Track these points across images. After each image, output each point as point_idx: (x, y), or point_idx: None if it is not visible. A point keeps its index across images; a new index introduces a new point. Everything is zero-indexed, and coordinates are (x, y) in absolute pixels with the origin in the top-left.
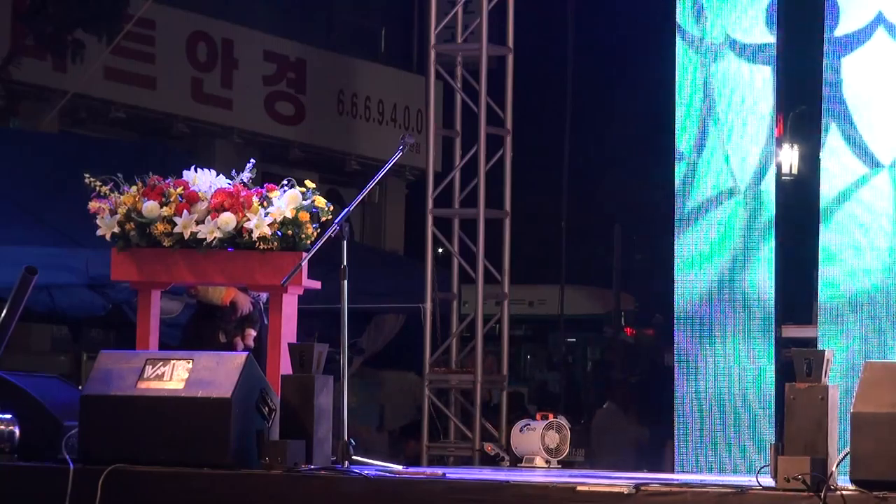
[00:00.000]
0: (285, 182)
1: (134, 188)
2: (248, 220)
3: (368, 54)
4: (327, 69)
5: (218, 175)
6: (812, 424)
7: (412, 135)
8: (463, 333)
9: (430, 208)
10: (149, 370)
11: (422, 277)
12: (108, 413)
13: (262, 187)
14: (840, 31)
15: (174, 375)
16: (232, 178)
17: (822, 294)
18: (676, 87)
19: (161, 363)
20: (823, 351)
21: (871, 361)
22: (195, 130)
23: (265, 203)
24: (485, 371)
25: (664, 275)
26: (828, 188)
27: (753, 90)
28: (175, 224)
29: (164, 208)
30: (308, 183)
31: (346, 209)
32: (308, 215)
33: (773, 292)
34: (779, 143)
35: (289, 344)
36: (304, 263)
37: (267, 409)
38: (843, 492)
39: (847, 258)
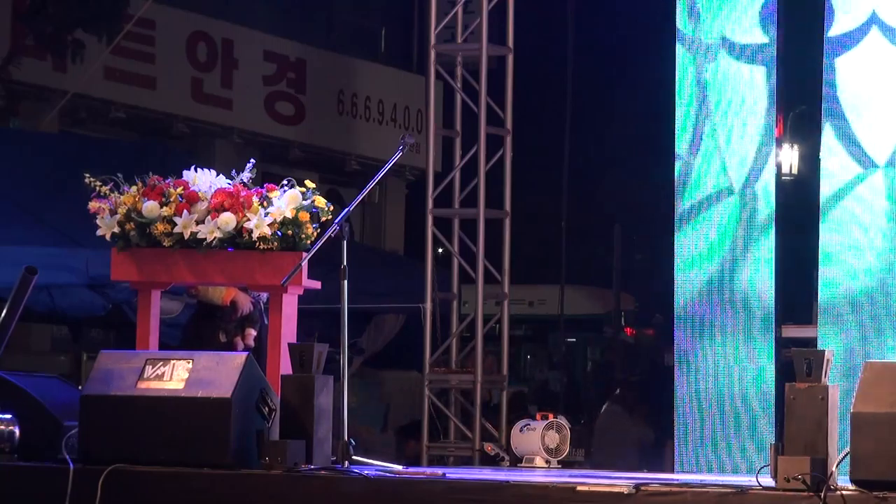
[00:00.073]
0: (285, 182)
1: (134, 188)
2: (248, 220)
3: (368, 54)
4: (327, 69)
5: (218, 175)
6: (812, 424)
7: (412, 135)
8: (463, 333)
9: (430, 208)
10: (149, 370)
11: (422, 277)
12: (108, 413)
13: (262, 187)
14: (834, 31)
15: (174, 375)
16: (232, 178)
17: (822, 294)
18: (676, 87)
19: (161, 363)
20: (823, 351)
21: (871, 361)
22: (195, 130)
23: (265, 203)
24: (485, 371)
25: (664, 275)
26: (827, 188)
27: (750, 90)
28: (175, 224)
29: (164, 208)
30: (308, 183)
31: (346, 209)
32: (308, 215)
33: (773, 292)
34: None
35: (289, 344)
36: (304, 263)
37: (267, 409)
38: (843, 492)
39: (847, 258)
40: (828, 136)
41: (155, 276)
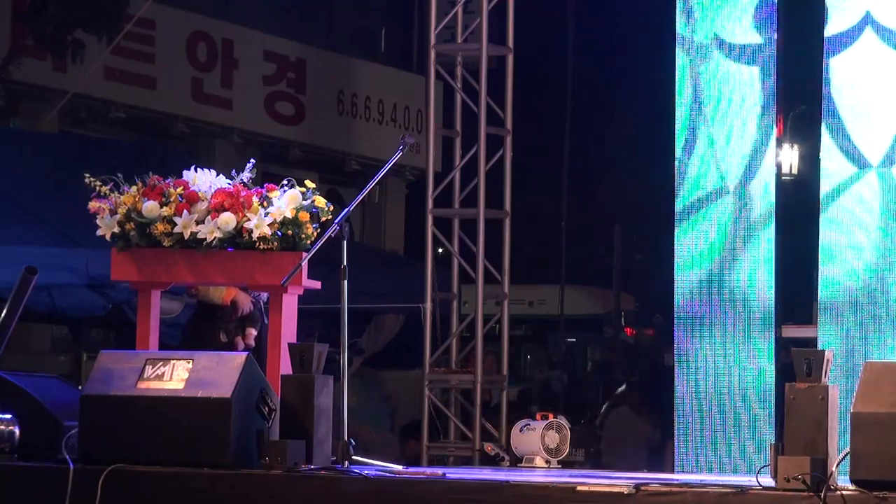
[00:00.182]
0: (285, 182)
1: (134, 188)
2: (248, 220)
3: (368, 54)
4: (327, 69)
5: (218, 175)
6: (812, 424)
7: (412, 135)
8: (463, 333)
9: (430, 208)
10: (149, 370)
11: (422, 277)
12: (108, 413)
13: (262, 187)
14: (829, 31)
15: (174, 375)
16: (232, 178)
17: (822, 293)
18: (676, 87)
19: (161, 363)
20: (823, 351)
21: (871, 361)
22: (195, 130)
23: (265, 203)
24: (485, 371)
25: (664, 275)
26: (827, 187)
27: (745, 90)
28: (175, 224)
29: (164, 208)
30: (308, 183)
31: (346, 209)
32: (308, 215)
33: (772, 292)
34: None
35: (289, 344)
36: (304, 263)
37: (267, 409)
38: (843, 492)
39: (847, 257)
40: (824, 135)
41: (155, 276)
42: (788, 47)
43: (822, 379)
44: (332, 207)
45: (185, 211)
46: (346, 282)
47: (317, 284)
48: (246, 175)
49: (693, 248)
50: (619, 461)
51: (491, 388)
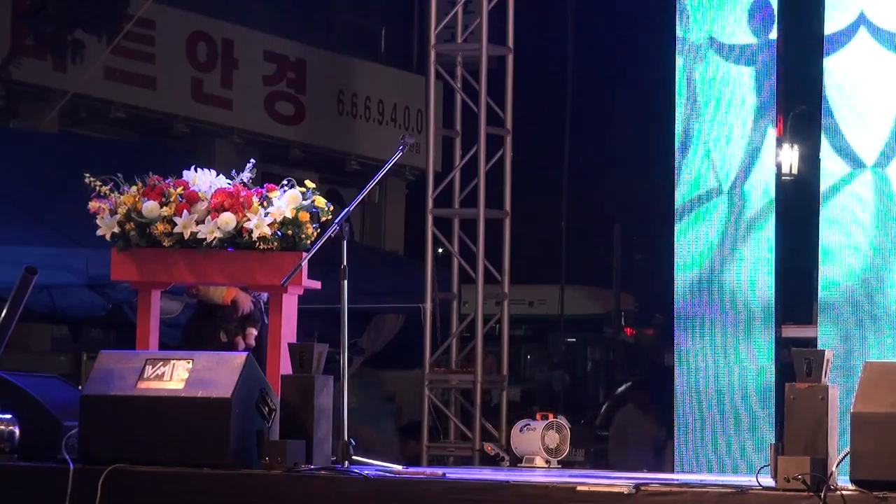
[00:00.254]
0: (285, 182)
1: (134, 188)
2: (248, 220)
3: (368, 54)
4: (327, 69)
5: (218, 175)
6: (812, 424)
7: (412, 135)
8: (463, 333)
9: (430, 208)
10: (149, 370)
11: (422, 277)
12: (108, 413)
13: (262, 187)
14: (825, 32)
15: (174, 375)
16: (232, 178)
17: (822, 293)
18: (676, 87)
19: (161, 363)
20: (823, 351)
21: (871, 361)
22: (195, 130)
23: (265, 203)
24: (485, 371)
25: (664, 275)
26: (827, 187)
27: (745, 91)
28: (175, 224)
29: (164, 208)
30: (308, 183)
31: (346, 209)
32: (308, 215)
33: (773, 292)
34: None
35: (289, 344)
36: (304, 263)
37: (267, 409)
38: (843, 492)
39: (847, 257)
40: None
41: (155, 276)
42: (788, 47)
43: (822, 379)
44: (332, 207)
45: (185, 211)
46: (346, 282)
47: (317, 284)
48: (246, 175)
49: (693, 248)
50: (627, 460)
51: (491, 388)
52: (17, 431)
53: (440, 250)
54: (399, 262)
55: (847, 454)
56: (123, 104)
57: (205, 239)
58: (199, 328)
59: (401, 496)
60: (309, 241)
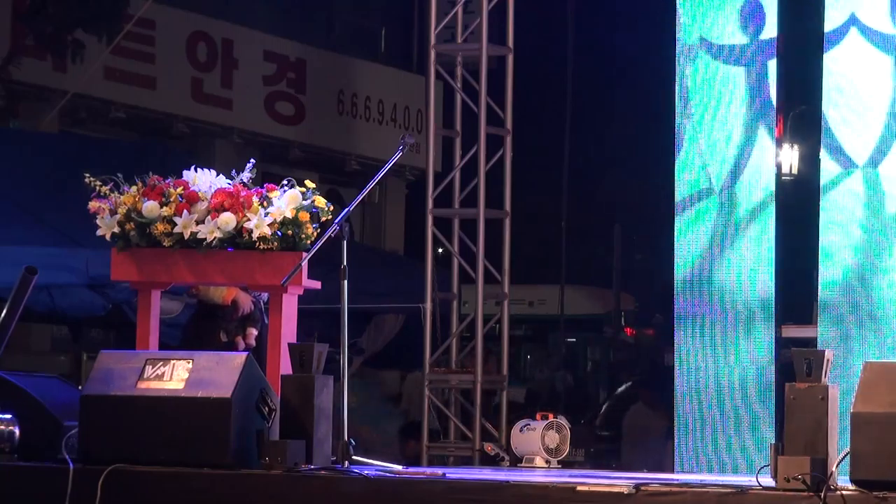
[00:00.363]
0: (285, 182)
1: (134, 188)
2: (248, 220)
3: (368, 54)
4: (327, 69)
5: (218, 175)
6: (812, 424)
7: (412, 135)
8: (463, 333)
9: (430, 208)
10: (149, 370)
11: (422, 277)
12: (108, 413)
13: (262, 187)
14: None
15: (174, 375)
16: (232, 178)
17: (822, 293)
18: (676, 87)
19: (161, 363)
20: (823, 351)
21: (871, 361)
22: (195, 130)
23: (265, 203)
24: (485, 371)
25: (664, 275)
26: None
27: (744, 91)
28: (175, 224)
29: (164, 208)
30: (308, 183)
31: (346, 209)
32: (308, 215)
33: (772, 291)
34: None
35: (289, 344)
36: (304, 263)
37: (267, 409)
38: (843, 492)
39: (847, 257)
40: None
41: (155, 276)
42: (788, 47)
43: (822, 379)
44: (332, 207)
45: (185, 211)
46: (346, 282)
47: (317, 284)
48: (246, 175)
49: (693, 248)
50: (641, 458)
51: (492, 389)
52: (17, 431)
53: (440, 250)
54: (399, 262)
55: (847, 454)
56: (123, 104)
57: (205, 239)
58: (199, 328)
59: (401, 496)
60: (309, 241)
